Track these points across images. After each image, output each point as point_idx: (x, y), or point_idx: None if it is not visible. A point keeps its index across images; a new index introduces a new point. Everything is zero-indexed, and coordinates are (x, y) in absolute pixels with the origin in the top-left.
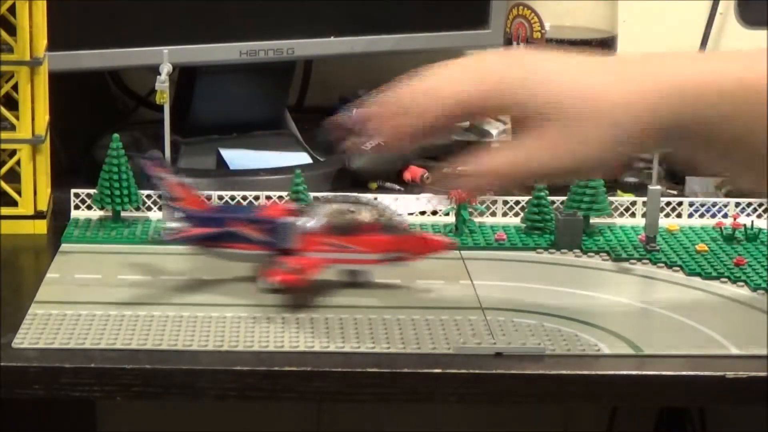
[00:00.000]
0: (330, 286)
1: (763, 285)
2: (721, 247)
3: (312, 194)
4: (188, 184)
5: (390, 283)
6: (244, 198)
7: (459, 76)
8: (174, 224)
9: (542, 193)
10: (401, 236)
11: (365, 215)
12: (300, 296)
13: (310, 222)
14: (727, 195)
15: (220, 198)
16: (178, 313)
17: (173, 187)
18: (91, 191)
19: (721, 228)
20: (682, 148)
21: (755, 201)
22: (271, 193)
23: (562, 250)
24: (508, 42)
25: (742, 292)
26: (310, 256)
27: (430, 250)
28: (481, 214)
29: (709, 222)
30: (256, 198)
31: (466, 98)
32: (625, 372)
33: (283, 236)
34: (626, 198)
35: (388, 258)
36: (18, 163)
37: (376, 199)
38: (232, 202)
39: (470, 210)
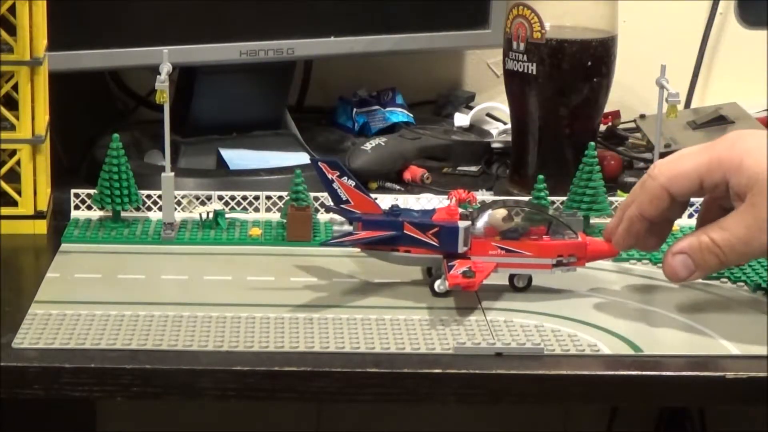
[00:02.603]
0: (331, 285)
1: (763, 285)
2: None
3: (318, 193)
4: (360, 188)
5: (390, 283)
6: (244, 198)
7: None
8: (344, 227)
9: (542, 194)
10: (572, 242)
11: (533, 220)
12: (300, 296)
13: (479, 226)
14: None
15: (220, 198)
16: (178, 313)
17: (345, 189)
18: (91, 191)
19: None
20: None
21: None
22: (271, 193)
23: None
24: (508, 42)
25: (742, 292)
26: (479, 260)
27: (599, 256)
28: None
29: None
30: (256, 198)
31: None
32: (625, 372)
33: (456, 240)
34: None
35: (557, 263)
36: (18, 163)
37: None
38: (232, 202)
39: (470, 210)
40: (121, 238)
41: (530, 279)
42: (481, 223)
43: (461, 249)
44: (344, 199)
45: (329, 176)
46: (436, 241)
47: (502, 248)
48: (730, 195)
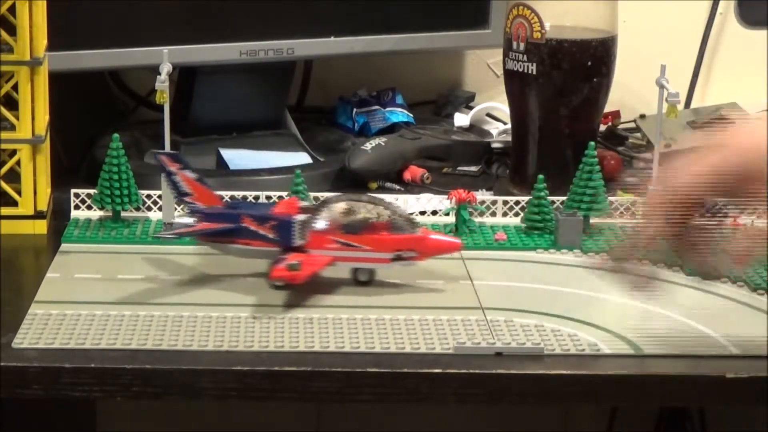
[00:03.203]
0: (332, 285)
1: (763, 285)
2: None
3: (320, 194)
4: (202, 180)
5: (390, 283)
6: (245, 198)
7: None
8: (184, 219)
9: (542, 194)
10: (410, 236)
11: (375, 214)
12: (300, 295)
13: (318, 220)
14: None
15: (220, 198)
16: (178, 313)
17: (186, 182)
18: (91, 191)
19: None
20: None
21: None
22: (271, 193)
23: (562, 250)
24: (508, 42)
25: (742, 292)
26: (317, 253)
27: (439, 251)
28: (481, 214)
29: None
30: (256, 198)
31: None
32: (625, 372)
33: (291, 234)
34: (626, 198)
35: (396, 257)
36: (18, 163)
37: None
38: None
39: (470, 210)
40: (121, 238)
41: (372, 273)
42: (321, 217)
43: (296, 242)
44: (185, 191)
45: (170, 168)
46: (274, 233)
47: (340, 242)
48: None
